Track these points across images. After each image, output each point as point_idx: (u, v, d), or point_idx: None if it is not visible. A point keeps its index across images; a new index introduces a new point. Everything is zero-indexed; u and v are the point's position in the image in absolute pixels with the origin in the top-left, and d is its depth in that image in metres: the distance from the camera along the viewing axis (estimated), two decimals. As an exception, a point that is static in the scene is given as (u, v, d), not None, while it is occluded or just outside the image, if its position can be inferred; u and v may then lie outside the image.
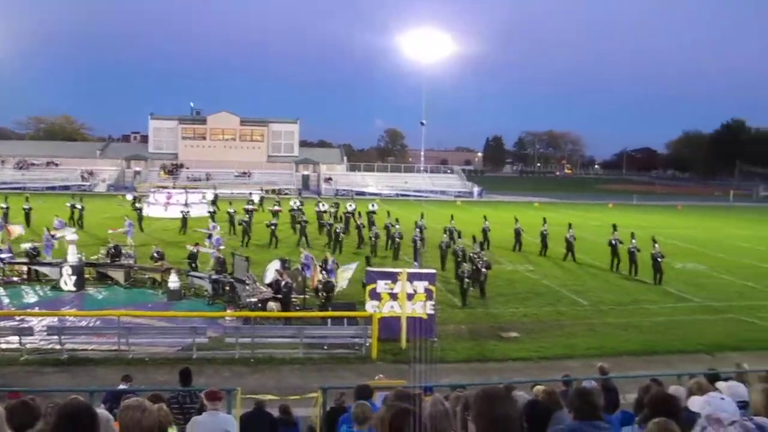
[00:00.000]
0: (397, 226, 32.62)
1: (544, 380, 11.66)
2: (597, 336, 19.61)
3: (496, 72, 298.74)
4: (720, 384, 6.23)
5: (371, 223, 37.20)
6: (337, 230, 34.03)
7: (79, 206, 39.68)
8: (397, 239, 31.99)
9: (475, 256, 24.77)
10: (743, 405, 5.03)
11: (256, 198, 47.89)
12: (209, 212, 40.59)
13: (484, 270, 23.97)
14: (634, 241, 28.85)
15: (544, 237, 34.01)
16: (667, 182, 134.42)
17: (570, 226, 33.09)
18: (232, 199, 45.45)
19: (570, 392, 9.30)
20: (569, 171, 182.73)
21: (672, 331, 20.22)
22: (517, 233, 35.06)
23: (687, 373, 10.90)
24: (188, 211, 40.15)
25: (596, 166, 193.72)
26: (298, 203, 41.85)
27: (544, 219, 35.14)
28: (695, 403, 4.68)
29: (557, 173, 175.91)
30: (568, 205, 72.58)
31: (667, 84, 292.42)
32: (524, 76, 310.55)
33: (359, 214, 38.58)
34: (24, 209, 38.15)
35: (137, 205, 41.51)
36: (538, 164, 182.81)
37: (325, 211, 40.77)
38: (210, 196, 46.01)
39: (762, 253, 36.86)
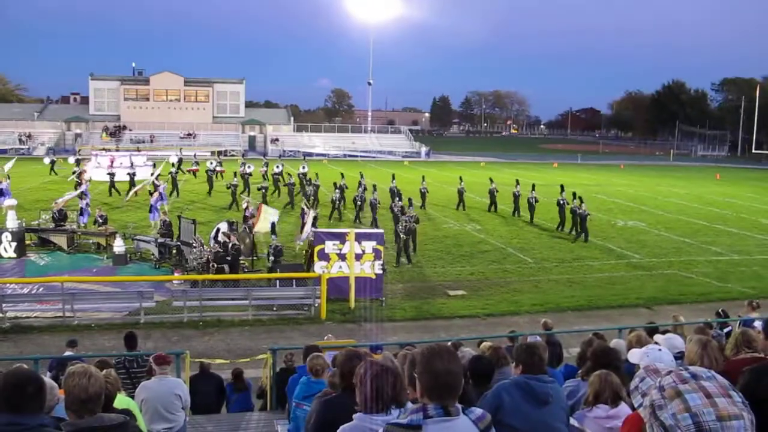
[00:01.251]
0: (375, 194, 30.29)
1: (490, 336, 11.96)
2: (541, 293, 20.08)
3: (443, 32, 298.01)
4: (658, 336, 6.48)
5: (303, 185, 37.08)
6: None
7: None
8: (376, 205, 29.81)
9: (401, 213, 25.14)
10: (680, 355, 5.24)
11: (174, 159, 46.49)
12: (171, 173, 39.61)
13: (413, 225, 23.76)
14: (576, 201, 29.05)
15: (492, 195, 34.56)
16: (610, 142, 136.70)
17: (517, 182, 33.75)
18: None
19: (515, 347, 9.58)
20: (515, 131, 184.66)
21: (613, 287, 20.84)
22: (460, 193, 35.44)
23: (627, 327, 11.28)
24: (134, 173, 39.25)
25: (542, 127, 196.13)
26: (280, 167, 41.28)
27: (491, 179, 35.60)
28: (634, 355, 4.86)
29: (503, 133, 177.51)
30: (514, 164, 73.49)
31: (610, 45, 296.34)
32: (470, 36, 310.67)
33: (288, 174, 38.61)
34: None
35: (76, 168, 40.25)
36: (485, 124, 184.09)
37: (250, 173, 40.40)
38: (174, 159, 44.89)
39: (698, 210, 38.09)
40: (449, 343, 8.95)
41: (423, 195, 34.92)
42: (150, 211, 27.44)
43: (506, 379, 4.91)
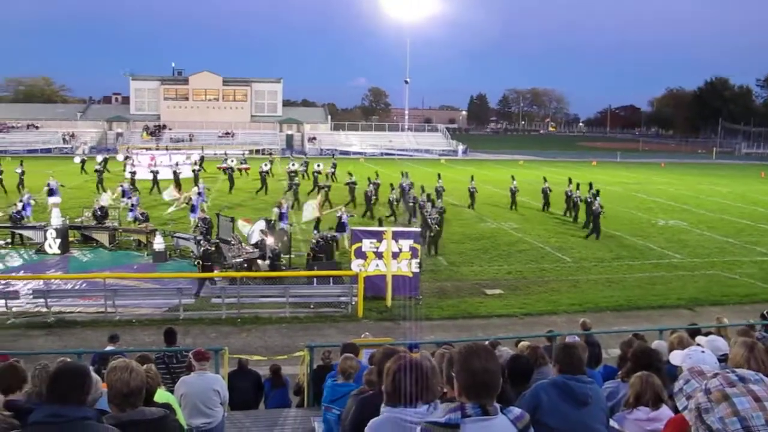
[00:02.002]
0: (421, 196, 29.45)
1: (528, 336, 11.86)
2: (580, 292, 19.85)
3: (481, 30, 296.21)
4: (700, 338, 6.34)
5: (316, 182, 38.26)
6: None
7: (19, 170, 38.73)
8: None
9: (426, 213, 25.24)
10: (723, 358, 5.13)
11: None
12: (194, 171, 40.33)
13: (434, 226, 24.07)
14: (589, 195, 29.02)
15: (546, 194, 34.23)
16: (650, 140, 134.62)
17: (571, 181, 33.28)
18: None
19: (554, 347, 9.47)
20: (553, 129, 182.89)
21: (653, 287, 20.51)
22: (513, 193, 34.84)
23: (668, 328, 11.09)
24: (180, 171, 40.01)
25: (580, 124, 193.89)
26: (321, 166, 41.82)
27: (545, 178, 35.48)
28: (676, 357, 4.76)
29: (541, 131, 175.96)
30: (552, 162, 72.79)
31: (650, 41, 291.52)
32: (509, 33, 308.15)
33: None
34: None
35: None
36: (522, 122, 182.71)
37: (294, 171, 40.66)
38: (196, 157, 45.68)
39: (742, 210, 37.28)
40: (486, 342, 8.90)
41: (472, 195, 34.69)
42: (192, 210, 27.78)
43: (544, 378, 4.86)
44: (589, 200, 28.52)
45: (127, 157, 46.39)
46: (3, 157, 52.28)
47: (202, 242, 20.74)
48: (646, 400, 4.61)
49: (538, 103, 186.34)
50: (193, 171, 40.38)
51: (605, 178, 38.91)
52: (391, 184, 33.32)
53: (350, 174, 35.50)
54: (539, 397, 4.35)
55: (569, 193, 32.69)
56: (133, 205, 26.83)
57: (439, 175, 35.82)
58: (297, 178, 37.59)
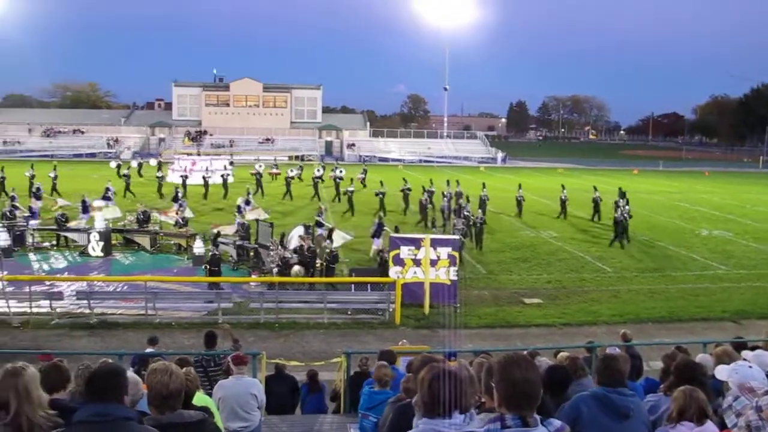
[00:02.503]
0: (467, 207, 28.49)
1: (567, 347, 11.70)
2: (621, 303, 19.54)
3: (520, 36, 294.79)
4: (746, 353, 6.17)
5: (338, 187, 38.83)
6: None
7: (52, 175, 39.51)
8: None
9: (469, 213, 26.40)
10: (771, 373, 4.98)
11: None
12: (223, 177, 41.18)
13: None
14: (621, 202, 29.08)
15: (596, 204, 33.46)
16: (693, 148, 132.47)
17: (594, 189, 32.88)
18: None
19: (593, 359, 9.33)
20: (593, 137, 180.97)
21: (697, 299, 20.08)
22: (563, 202, 34.31)
23: (712, 341, 10.83)
24: (210, 176, 40.68)
25: (621, 132, 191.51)
26: (343, 171, 42.33)
27: (595, 187, 34.93)
28: (722, 372, 4.64)
29: (581, 139, 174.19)
30: (593, 170, 71.93)
31: (694, 47, 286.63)
32: (548, 40, 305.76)
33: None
34: (50, 176, 38.68)
35: (158, 173, 41.86)
36: (562, 130, 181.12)
37: (320, 177, 41.44)
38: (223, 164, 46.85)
39: (790, 220, 36.31)
40: (525, 353, 8.80)
41: (519, 203, 34.50)
42: (238, 211, 28.13)
43: (584, 390, 4.79)
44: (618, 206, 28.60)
45: (160, 163, 47.22)
46: (50, 161, 53.44)
47: (211, 247, 20.79)
48: (690, 415, 4.49)
49: (578, 111, 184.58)
50: (223, 177, 41.13)
51: (647, 187, 38.34)
52: (442, 192, 33.15)
53: (405, 180, 35.54)
54: (579, 409, 4.29)
55: (596, 200, 33.26)
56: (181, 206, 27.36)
57: (483, 184, 35.57)
58: (321, 185, 38.39)
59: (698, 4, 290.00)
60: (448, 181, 34.72)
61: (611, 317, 18.01)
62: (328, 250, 20.25)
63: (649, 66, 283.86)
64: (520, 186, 36.11)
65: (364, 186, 41.02)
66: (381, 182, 35.06)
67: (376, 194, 34.31)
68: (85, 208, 27.01)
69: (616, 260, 24.93)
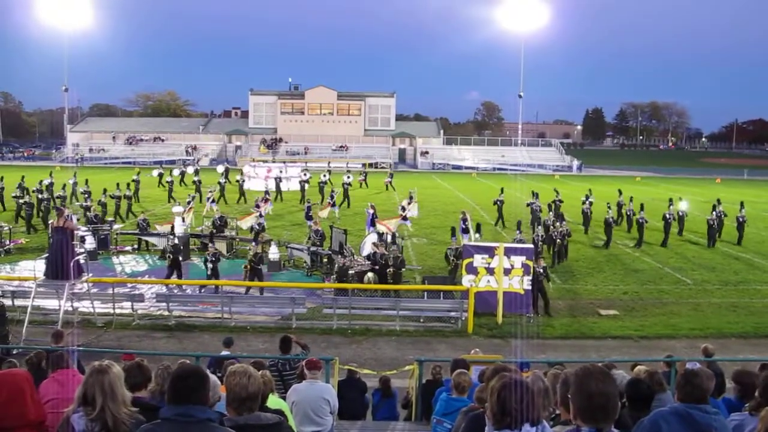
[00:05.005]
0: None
1: (645, 360, 11.38)
2: (702, 316, 18.86)
3: (596, 42, 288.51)
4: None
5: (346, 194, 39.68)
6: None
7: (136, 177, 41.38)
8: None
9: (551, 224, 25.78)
10: None
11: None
12: (301, 182, 43.00)
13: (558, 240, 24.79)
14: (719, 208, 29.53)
15: (681, 219, 31.37)
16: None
17: (674, 201, 31.76)
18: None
19: (672, 373, 9.05)
20: (673, 144, 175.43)
21: (786, 314, 19.21)
22: (681, 219, 31.48)
23: (801, 358, 10.36)
24: (281, 179, 42.78)
25: (703, 139, 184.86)
26: (350, 177, 44.29)
27: (679, 197, 33.50)
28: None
29: (661, 146, 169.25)
30: (672, 179, 69.86)
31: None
32: (626, 45, 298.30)
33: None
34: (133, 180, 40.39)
35: (238, 178, 43.26)
36: (640, 137, 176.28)
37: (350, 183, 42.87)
38: (221, 169, 48.40)
39: None
40: (600, 365, 8.61)
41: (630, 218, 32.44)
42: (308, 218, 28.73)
43: (663, 406, 4.65)
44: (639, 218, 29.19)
45: (227, 170, 48.65)
46: (132, 168, 55.48)
47: (378, 251, 20.80)
48: (778, 436, 4.31)
49: (657, 118, 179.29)
50: (300, 183, 42.72)
51: (730, 197, 36.90)
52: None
53: (556, 192, 34.72)
54: (659, 425, 4.16)
55: (621, 203, 33.63)
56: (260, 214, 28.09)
57: (555, 190, 34.98)
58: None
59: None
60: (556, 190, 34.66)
61: (691, 331, 17.41)
62: (394, 255, 20.29)
63: (732, 70, 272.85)
64: (620, 192, 35.39)
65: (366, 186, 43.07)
66: (533, 193, 33.05)
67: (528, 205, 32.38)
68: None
69: (696, 272, 24.12)
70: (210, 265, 19.79)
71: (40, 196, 32.68)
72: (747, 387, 6.27)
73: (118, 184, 37.02)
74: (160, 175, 47.95)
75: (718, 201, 30.89)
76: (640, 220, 28.89)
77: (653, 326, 17.82)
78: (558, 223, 25.57)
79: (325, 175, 44.73)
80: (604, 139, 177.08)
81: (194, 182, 42.46)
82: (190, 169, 50.01)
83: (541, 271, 18.54)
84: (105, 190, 33.56)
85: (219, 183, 41.34)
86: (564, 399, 3.17)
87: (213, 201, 32.79)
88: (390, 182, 49.82)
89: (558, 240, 24.67)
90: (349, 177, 43.28)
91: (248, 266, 19.81)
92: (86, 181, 35.98)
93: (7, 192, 35.28)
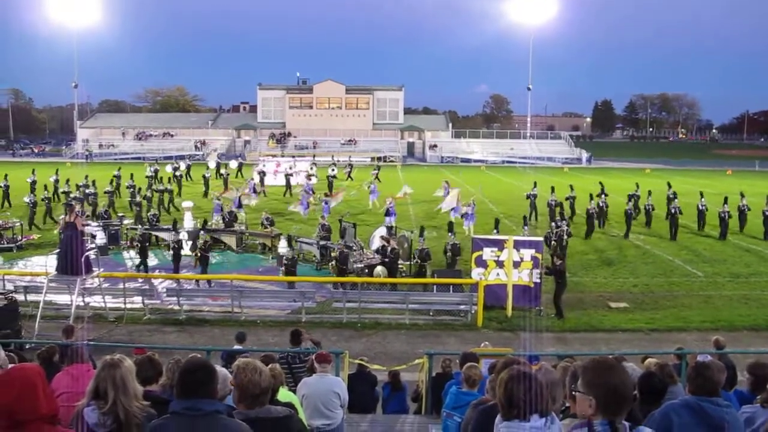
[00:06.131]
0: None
1: (655, 352, 11.33)
2: (713, 309, 18.74)
3: (604, 33, 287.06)
4: None
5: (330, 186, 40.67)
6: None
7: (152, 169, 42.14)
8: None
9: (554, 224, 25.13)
10: None
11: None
12: (308, 174, 43.31)
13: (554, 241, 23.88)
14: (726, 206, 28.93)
15: (701, 213, 30.62)
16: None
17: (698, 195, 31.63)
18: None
19: (683, 366, 9.02)
20: (684, 136, 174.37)
21: (797, 306, 19.08)
22: (701, 213, 30.59)
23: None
24: (292, 174, 43.18)
25: (714, 131, 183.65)
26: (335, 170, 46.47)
27: (701, 193, 31.87)
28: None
29: (671, 138, 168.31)
30: (683, 171, 69.44)
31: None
32: (635, 37, 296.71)
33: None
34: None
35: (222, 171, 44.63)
36: (650, 129, 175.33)
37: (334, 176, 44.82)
38: (234, 164, 49.72)
39: None
40: (611, 357, 8.59)
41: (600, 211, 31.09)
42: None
43: (674, 399, 4.63)
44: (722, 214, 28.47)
45: (241, 164, 49.22)
46: (142, 163, 55.55)
47: (388, 245, 20.84)
48: (790, 428, 4.30)
49: (667, 109, 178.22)
50: (328, 177, 43.73)
51: (741, 188, 36.52)
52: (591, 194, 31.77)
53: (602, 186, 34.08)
54: (670, 418, 4.15)
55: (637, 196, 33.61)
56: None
57: (571, 186, 34.77)
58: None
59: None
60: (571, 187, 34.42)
61: (702, 323, 17.32)
62: (419, 248, 20.30)
63: (743, 61, 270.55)
64: (638, 186, 35.27)
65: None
66: (571, 186, 33.17)
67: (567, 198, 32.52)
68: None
69: (707, 264, 24.00)
70: (172, 252, 21.02)
71: (46, 193, 32.93)
72: (760, 379, 6.24)
73: (161, 178, 38.39)
74: (218, 165, 49.21)
75: (741, 194, 30.84)
76: (673, 210, 29.11)
77: (664, 319, 17.75)
78: (559, 222, 25.26)
79: (333, 169, 45.13)
80: (614, 132, 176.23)
81: (221, 175, 44.04)
82: (233, 164, 52.03)
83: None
84: (150, 184, 35.39)
85: (176, 177, 42.12)
86: (572, 391, 3.15)
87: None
88: (376, 174, 48.21)
89: (554, 241, 23.72)
90: (333, 170, 44.91)
91: (198, 253, 20.79)
92: (120, 176, 37.73)
93: (13, 190, 35.38)
